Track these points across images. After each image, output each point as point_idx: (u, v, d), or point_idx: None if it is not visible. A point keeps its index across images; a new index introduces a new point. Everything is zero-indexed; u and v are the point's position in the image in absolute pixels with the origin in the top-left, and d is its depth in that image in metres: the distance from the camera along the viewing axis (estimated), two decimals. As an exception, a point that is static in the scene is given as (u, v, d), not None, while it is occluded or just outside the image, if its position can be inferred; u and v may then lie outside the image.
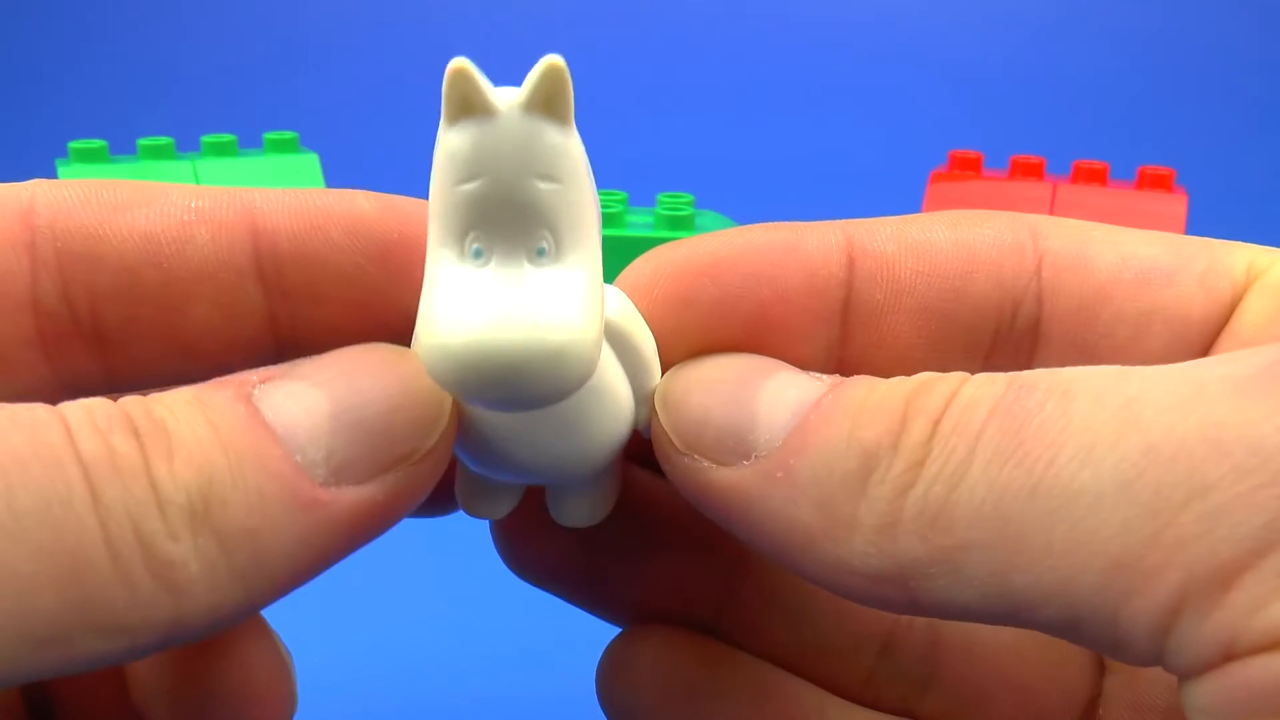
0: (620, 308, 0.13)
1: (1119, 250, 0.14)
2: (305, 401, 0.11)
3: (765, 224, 0.15)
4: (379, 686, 0.27)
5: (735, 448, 0.12)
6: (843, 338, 0.15)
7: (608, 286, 0.13)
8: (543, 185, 0.10)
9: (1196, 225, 0.39)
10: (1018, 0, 0.81)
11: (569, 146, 0.10)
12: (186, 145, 0.38)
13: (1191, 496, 0.09)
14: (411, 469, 0.11)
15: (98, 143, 0.35)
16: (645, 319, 0.14)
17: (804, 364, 0.14)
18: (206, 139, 0.37)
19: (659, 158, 0.74)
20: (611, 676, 0.17)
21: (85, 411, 0.10)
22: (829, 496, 0.11)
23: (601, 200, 0.33)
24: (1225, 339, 0.14)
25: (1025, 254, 0.14)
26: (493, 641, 0.28)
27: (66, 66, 0.81)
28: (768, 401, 0.12)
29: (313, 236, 0.13)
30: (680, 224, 0.33)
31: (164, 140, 0.36)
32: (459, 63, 0.10)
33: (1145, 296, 0.14)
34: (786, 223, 0.15)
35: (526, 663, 0.27)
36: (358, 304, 0.13)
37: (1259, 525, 0.09)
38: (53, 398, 0.11)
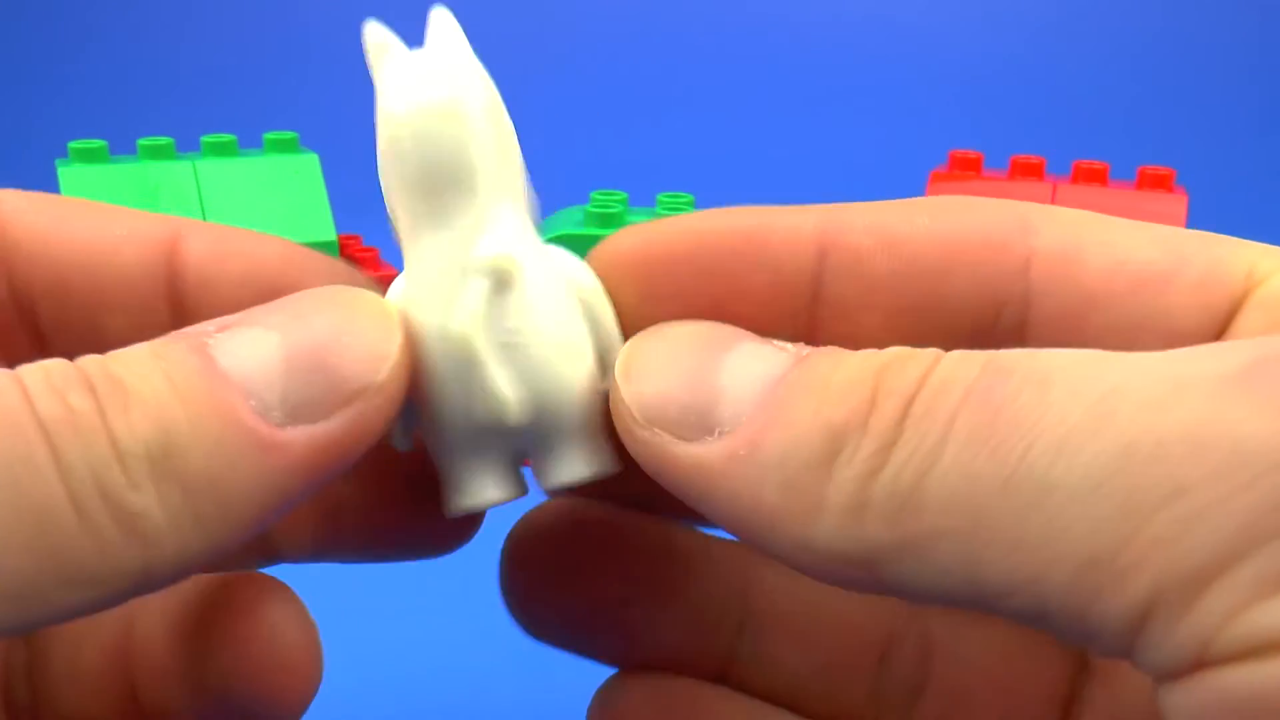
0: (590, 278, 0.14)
1: (1113, 251, 0.13)
2: (259, 346, 0.11)
3: (736, 209, 0.14)
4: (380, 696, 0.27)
5: (699, 423, 0.12)
6: (810, 331, 0.14)
7: (579, 262, 0.14)
8: None
9: (1196, 225, 0.39)
10: (1018, 0, 0.81)
11: None
12: (186, 145, 0.38)
13: (1167, 498, 0.09)
14: (365, 405, 0.12)
15: (98, 143, 0.35)
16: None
17: None
18: (206, 139, 0.36)
19: (659, 158, 0.74)
20: None
21: (42, 373, 0.11)
22: (794, 477, 0.11)
23: (602, 200, 0.33)
24: None
25: (1011, 251, 0.14)
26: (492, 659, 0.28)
27: (66, 66, 0.81)
28: (731, 375, 0.12)
29: (215, 269, 0.14)
30: (680, 224, 0.33)
31: (164, 140, 0.36)
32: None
33: (1137, 304, 0.13)
34: (758, 208, 0.14)
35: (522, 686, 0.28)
36: None
37: (1234, 530, 0.08)
38: None
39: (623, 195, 0.34)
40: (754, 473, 0.11)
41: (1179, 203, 0.38)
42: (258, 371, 0.11)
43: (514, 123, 0.14)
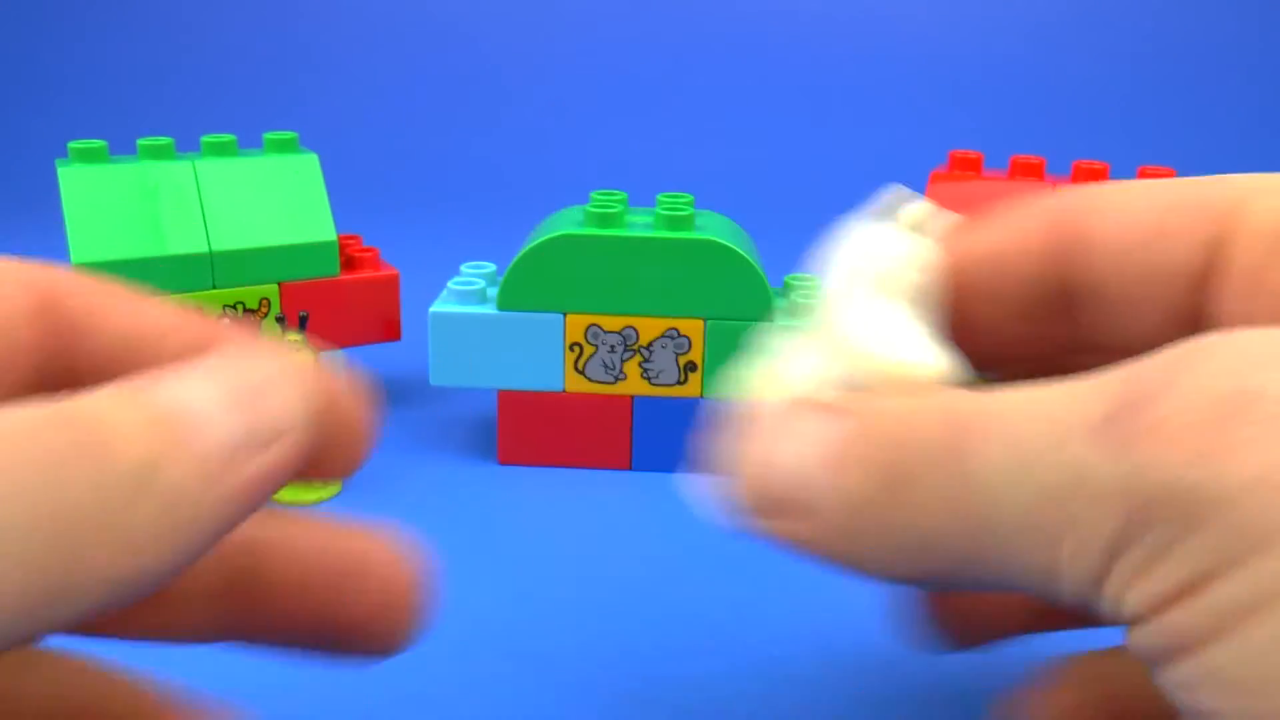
0: None
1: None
2: (197, 389, 0.13)
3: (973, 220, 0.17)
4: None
5: (794, 506, 0.14)
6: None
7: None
8: None
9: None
10: (1018, 0, 0.81)
11: None
12: (186, 145, 0.38)
13: (1067, 525, 0.12)
14: (294, 439, 0.13)
15: (98, 143, 0.35)
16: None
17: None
18: (206, 139, 0.36)
19: (659, 158, 0.74)
20: None
21: (29, 413, 0.12)
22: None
23: (602, 200, 0.33)
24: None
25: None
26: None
27: (66, 66, 0.81)
28: (793, 451, 0.14)
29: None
30: (680, 224, 0.32)
31: (164, 140, 0.36)
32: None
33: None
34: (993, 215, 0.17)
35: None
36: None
37: (1106, 546, 0.12)
38: None
39: (623, 195, 0.34)
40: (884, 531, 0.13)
41: (1179, 203, 0.38)
42: (201, 411, 0.13)
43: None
